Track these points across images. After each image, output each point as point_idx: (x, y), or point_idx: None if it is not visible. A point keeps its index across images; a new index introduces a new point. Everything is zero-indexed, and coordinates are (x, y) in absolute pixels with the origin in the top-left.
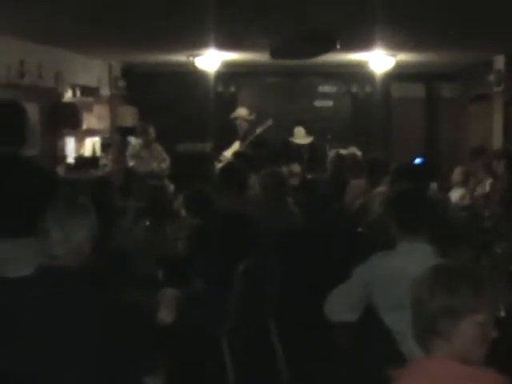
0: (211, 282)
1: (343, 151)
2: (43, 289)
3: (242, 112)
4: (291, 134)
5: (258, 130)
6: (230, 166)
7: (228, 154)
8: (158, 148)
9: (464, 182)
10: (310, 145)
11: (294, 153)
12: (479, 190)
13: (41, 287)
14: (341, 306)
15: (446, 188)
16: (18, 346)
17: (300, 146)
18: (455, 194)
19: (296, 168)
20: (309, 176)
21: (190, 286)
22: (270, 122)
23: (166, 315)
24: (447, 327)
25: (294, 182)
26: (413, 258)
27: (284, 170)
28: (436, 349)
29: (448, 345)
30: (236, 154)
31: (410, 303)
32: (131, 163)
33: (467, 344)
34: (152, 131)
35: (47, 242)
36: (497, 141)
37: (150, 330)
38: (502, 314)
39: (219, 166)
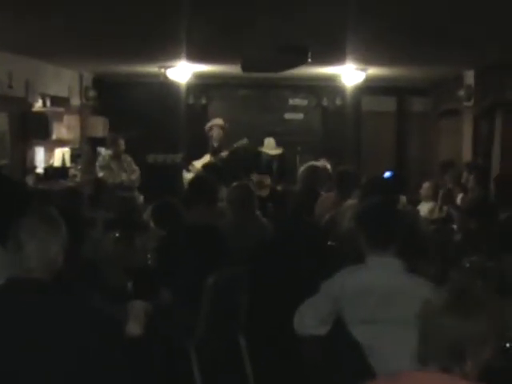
0: (179, 294)
1: (315, 163)
2: (16, 301)
3: (218, 120)
4: (261, 145)
5: (235, 145)
6: (199, 179)
7: (198, 164)
8: (128, 159)
9: (433, 196)
10: (280, 156)
11: (264, 164)
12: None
13: (13, 299)
14: (310, 320)
15: (415, 201)
16: None
17: (270, 157)
18: (424, 208)
19: (266, 179)
20: (278, 187)
21: (158, 298)
22: (244, 141)
23: (134, 327)
24: (476, 351)
25: (264, 192)
26: (381, 273)
27: (254, 180)
28: (454, 369)
29: (469, 366)
30: (206, 166)
31: (425, 325)
32: (101, 174)
33: (482, 365)
34: (122, 142)
35: (21, 255)
36: (466, 155)
37: (120, 341)
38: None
39: (188, 176)
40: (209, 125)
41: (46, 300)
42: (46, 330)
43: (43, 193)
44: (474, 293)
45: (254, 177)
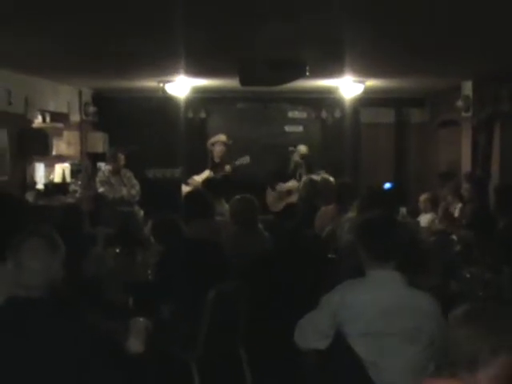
0: (180, 308)
1: (315, 176)
2: (17, 319)
3: (221, 137)
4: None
5: (228, 168)
6: (193, 194)
7: (198, 178)
8: (128, 174)
9: (432, 207)
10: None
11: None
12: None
13: (15, 317)
14: (310, 333)
15: (415, 212)
16: None
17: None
18: (424, 219)
19: (294, 185)
20: None
21: (159, 313)
22: (246, 160)
23: (136, 344)
24: (487, 362)
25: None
26: (381, 286)
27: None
28: (468, 378)
29: (482, 375)
30: (205, 181)
31: (447, 340)
32: (101, 189)
33: (497, 377)
34: (122, 157)
35: (21, 273)
36: (465, 166)
37: (121, 358)
38: None
39: (186, 190)
40: (212, 141)
41: (47, 318)
42: (47, 348)
43: (43, 209)
44: (491, 308)
45: (280, 186)
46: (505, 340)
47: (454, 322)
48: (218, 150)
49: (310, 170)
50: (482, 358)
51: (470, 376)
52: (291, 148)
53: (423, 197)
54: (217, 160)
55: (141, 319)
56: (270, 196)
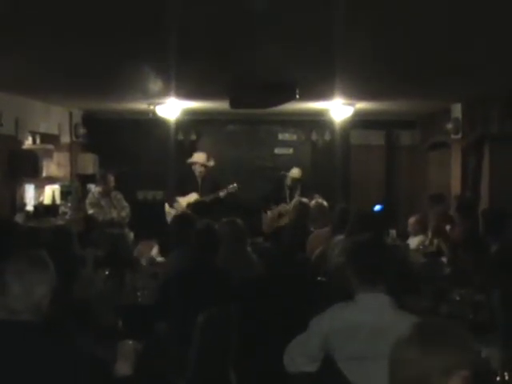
0: (174, 331)
1: (304, 199)
2: (2, 343)
3: (199, 157)
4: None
5: (222, 194)
6: (177, 219)
7: (183, 201)
8: (118, 196)
9: (421, 230)
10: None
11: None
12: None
13: (1, 342)
14: (300, 357)
15: (405, 235)
16: None
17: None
18: (414, 241)
19: (284, 208)
20: None
21: (149, 336)
22: (234, 187)
23: (124, 367)
24: (440, 383)
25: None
26: (371, 309)
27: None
28: None
29: None
30: (193, 204)
31: (392, 363)
32: (90, 211)
33: None
34: (112, 179)
35: (7, 296)
36: (455, 188)
37: (108, 381)
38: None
39: (172, 212)
40: (190, 161)
41: (33, 342)
42: (34, 372)
43: (33, 231)
44: (438, 326)
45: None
46: (456, 358)
47: (402, 342)
48: (197, 172)
49: (303, 194)
50: (434, 380)
51: None
52: (283, 172)
53: (412, 219)
54: (199, 181)
55: (129, 342)
56: (265, 219)
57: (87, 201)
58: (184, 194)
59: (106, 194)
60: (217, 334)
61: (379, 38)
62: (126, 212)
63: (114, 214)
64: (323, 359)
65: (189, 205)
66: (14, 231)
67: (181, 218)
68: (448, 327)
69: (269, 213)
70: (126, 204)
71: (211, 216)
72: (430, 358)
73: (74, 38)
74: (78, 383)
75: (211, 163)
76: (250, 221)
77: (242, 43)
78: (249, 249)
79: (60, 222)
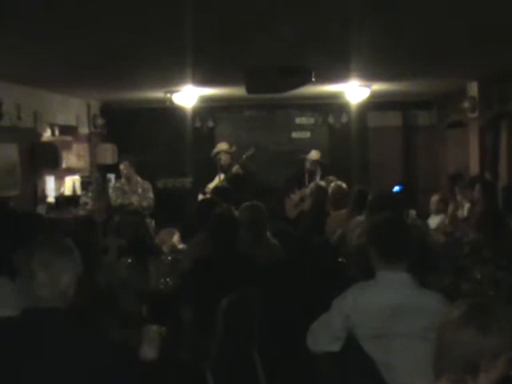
0: (197, 316)
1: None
2: (31, 331)
3: (223, 146)
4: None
5: (243, 156)
6: (201, 204)
7: (212, 186)
8: (146, 185)
9: (443, 209)
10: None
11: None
12: (458, 215)
13: (28, 330)
14: (323, 336)
15: (425, 215)
16: None
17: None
18: (434, 221)
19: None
20: None
21: (173, 322)
22: (252, 150)
23: (149, 351)
24: (489, 365)
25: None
26: (392, 288)
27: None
28: (468, 381)
29: (482, 378)
30: (213, 189)
31: (443, 343)
32: (118, 200)
33: (497, 378)
34: (122, 167)
35: (33, 284)
36: (473, 166)
37: (136, 367)
38: None
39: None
40: (215, 151)
41: (59, 328)
42: (60, 358)
43: (54, 222)
44: (490, 307)
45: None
46: (506, 341)
47: (450, 324)
48: (223, 159)
49: (324, 176)
50: (484, 363)
51: (471, 379)
52: (302, 155)
53: (435, 197)
54: (224, 167)
55: (154, 327)
56: (287, 204)
57: (111, 185)
58: (206, 180)
59: (128, 180)
60: (240, 318)
61: (394, 19)
62: (148, 202)
63: (135, 199)
64: (346, 338)
65: (212, 189)
66: (39, 222)
67: (204, 202)
68: (498, 309)
69: (291, 197)
70: (151, 195)
71: (233, 200)
72: (486, 340)
73: (92, 28)
74: (103, 369)
75: (233, 149)
76: (272, 205)
77: (257, 27)
78: (268, 233)
79: (81, 212)
